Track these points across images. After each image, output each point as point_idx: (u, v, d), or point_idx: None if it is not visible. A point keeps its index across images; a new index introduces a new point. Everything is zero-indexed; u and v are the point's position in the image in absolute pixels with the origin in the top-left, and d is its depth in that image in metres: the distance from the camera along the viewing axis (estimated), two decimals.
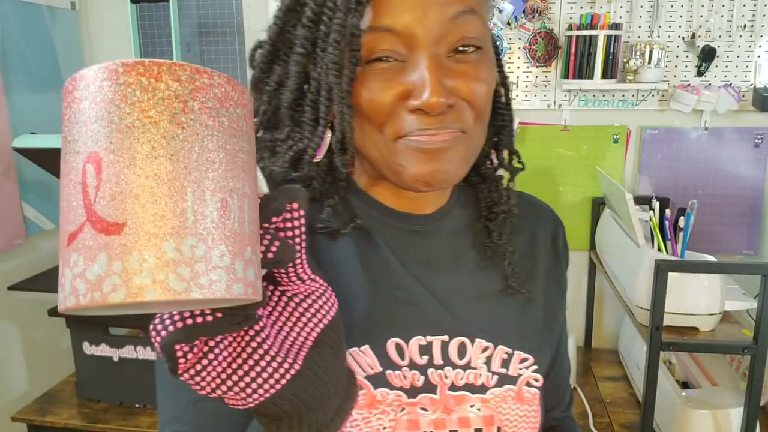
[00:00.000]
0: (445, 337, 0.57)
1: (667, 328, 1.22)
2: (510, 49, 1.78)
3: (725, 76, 1.71)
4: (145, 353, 1.53)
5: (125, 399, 1.59)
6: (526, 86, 1.81)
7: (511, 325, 0.60)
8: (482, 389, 0.57)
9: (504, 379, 0.58)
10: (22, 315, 1.72)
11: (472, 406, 0.57)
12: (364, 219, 0.58)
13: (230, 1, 1.89)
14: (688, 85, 1.72)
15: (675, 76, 1.73)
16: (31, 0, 1.72)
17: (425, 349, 0.56)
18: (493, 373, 0.58)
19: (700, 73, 1.72)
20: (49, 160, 1.46)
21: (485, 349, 0.58)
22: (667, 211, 1.36)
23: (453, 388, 0.56)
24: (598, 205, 1.82)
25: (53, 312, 1.56)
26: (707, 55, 1.68)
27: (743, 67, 1.70)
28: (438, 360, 0.56)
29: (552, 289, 0.66)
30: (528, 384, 0.59)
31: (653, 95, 1.75)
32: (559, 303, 0.68)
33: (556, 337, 0.68)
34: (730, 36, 1.68)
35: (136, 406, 1.58)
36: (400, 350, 0.55)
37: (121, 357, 1.55)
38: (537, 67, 1.79)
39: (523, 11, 1.73)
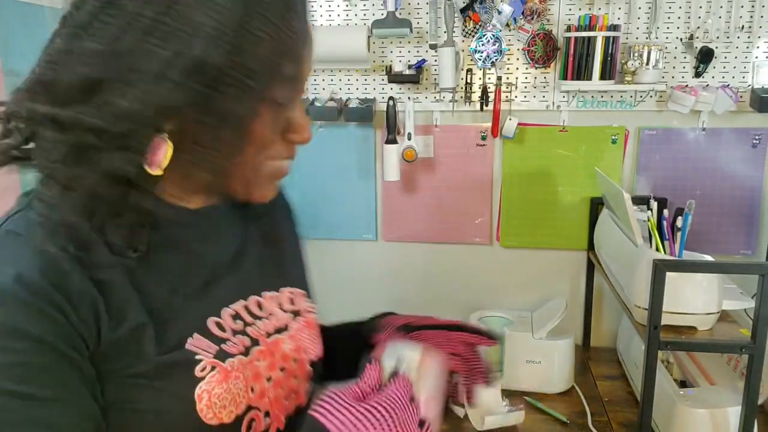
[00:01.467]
0: (244, 301, 0.69)
1: (665, 327, 1.23)
2: (509, 50, 1.79)
3: (723, 77, 1.72)
4: None
5: None
6: (525, 87, 1.82)
7: (283, 275, 0.77)
8: (286, 328, 0.72)
9: (296, 314, 0.75)
10: None
11: (285, 344, 0.71)
12: (165, 226, 0.62)
13: None
14: (686, 86, 1.73)
15: (673, 77, 1.74)
16: (32, 0, 1.73)
17: (236, 316, 0.67)
18: (287, 312, 0.74)
19: (698, 74, 1.73)
20: None
21: (274, 297, 0.73)
22: (665, 211, 1.36)
23: (268, 335, 0.69)
24: (596, 205, 1.83)
25: None
26: (705, 56, 1.69)
27: (741, 68, 1.71)
28: (249, 319, 0.68)
29: (297, 245, 0.85)
30: (309, 312, 0.78)
31: (651, 96, 1.76)
32: (303, 253, 0.86)
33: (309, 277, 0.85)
34: (728, 37, 1.69)
35: None
36: (220, 325, 0.64)
37: None
38: (536, 68, 1.80)
39: (522, 13, 1.74)
